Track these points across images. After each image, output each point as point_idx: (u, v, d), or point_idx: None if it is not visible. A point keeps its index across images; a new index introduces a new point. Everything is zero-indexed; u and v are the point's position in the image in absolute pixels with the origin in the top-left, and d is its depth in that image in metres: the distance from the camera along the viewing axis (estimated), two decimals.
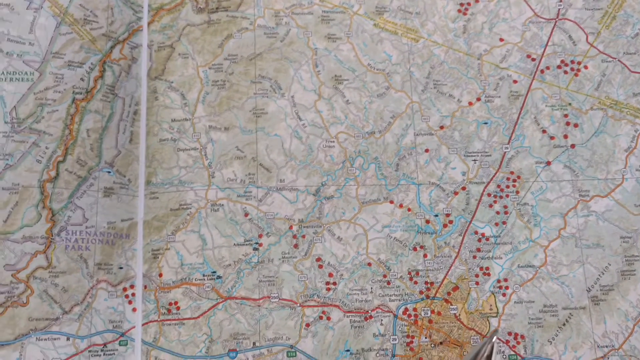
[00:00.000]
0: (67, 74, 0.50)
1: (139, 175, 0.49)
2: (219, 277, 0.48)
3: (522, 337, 0.47)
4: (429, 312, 0.48)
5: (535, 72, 0.53)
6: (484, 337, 0.47)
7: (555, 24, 0.54)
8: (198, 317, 0.47)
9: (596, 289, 0.48)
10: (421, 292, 0.48)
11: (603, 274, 0.49)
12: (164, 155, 0.50)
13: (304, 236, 0.49)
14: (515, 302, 0.48)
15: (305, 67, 0.52)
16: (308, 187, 0.50)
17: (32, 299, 0.46)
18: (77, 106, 0.50)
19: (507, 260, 0.49)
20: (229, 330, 0.47)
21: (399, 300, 0.48)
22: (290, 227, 0.49)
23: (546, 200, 0.50)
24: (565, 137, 0.52)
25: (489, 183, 0.51)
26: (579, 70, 0.53)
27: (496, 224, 0.50)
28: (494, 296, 0.48)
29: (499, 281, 0.48)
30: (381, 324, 0.47)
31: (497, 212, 0.50)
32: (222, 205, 0.49)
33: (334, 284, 0.48)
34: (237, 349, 0.46)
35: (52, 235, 0.47)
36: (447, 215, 0.50)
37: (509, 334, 0.47)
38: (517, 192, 0.50)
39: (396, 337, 0.47)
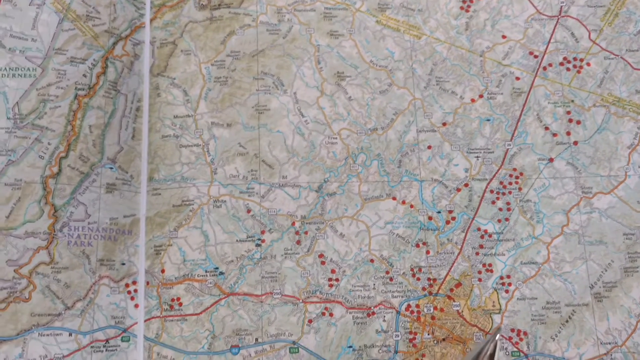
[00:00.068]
0: (69, 70, 0.50)
1: (142, 172, 0.49)
2: (221, 273, 0.48)
3: (525, 333, 0.47)
4: (432, 309, 0.48)
5: (538, 69, 0.53)
6: (487, 334, 0.47)
7: (557, 21, 0.54)
8: (200, 313, 0.47)
9: (599, 285, 0.48)
10: (424, 289, 0.48)
11: (606, 270, 0.49)
12: (166, 152, 0.50)
13: (306, 232, 0.49)
14: (518, 298, 0.48)
15: (307, 63, 0.52)
16: (310, 183, 0.50)
17: (35, 294, 0.45)
18: (79, 102, 0.50)
19: (510, 257, 0.49)
20: (231, 327, 0.47)
21: (402, 297, 0.48)
22: (293, 224, 0.49)
23: (549, 197, 0.50)
24: (568, 134, 0.52)
25: (491, 180, 0.51)
26: (581, 67, 0.53)
27: (499, 221, 0.50)
28: (497, 293, 0.48)
29: (501, 278, 0.48)
30: (384, 321, 0.47)
31: (500, 209, 0.50)
32: (225, 201, 0.49)
33: (337, 280, 0.48)
34: (240, 345, 0.46)
35: (55, 231, 0.47)
36: (450, 211, 0.50)
37: (512, 330, 0.47)
38: (520, 188, 0.50)
39: (399, 333, 0.47)
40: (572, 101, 0.52)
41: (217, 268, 0.48)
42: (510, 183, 0.50)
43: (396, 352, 0.47)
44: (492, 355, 0.41)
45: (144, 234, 0.48)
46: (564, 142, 0.51)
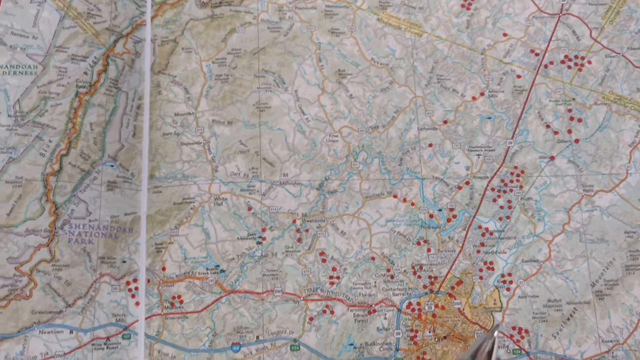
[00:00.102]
0: (70, 68, 0.50)
1: (142, 169, 0.49)
2: (222, 270, 0.48)
3: (527, 331, 0.47)
4: (433, 307, 0.48)
5: (539, 67, 0.53)
6: (488, 332, 0.47)
7: (558, 19, 0.54)
8: (201, 310, 0.47)
9: (600, 283, 0.48)
10: (425, 287, 0.48)
11: (607, 268, 0.48)
12: (167, 149, 0.50)
13: (307, 230, 0.49)
14: (519, 296, 0.48)
15: (308, 61, 0.52)
16: (311, 181, 0.50)
17: (36, 292, 0.45)
18: (80, 100, 0.50)
19: (511, 255, 0.49)
20: (232, 324, 0.47)
21: (403, 295, 0.48)
22: (294, 221, 0.49)
23: (550, 195, 0.50)
24: (569, 132, 0.51)
25: (492, 178, 0.50)
26: (582, 65, 0.53)
27: (500, 219, 0.50)
28: (498, 291, 0.48)
29: (503, 276, 0.48)
30: (385, 318, 0.47)
31: (501, 207, 0.50)
32: (226, 199, 0.49)
33: (338, 278, 0.48)
34: (241, 343, 0.46)
35: (56, 229, 0.47)
36: (451, 209, 0.50)
37: (513, 328, 0.47)
38: (521, 186, 0.50)
39: (400, 331, 0.47)
40: (574, 99, 0.52)
41: (218, 266, 0.48)
42: (511, 181, 0.50)
43: (397, 349, 0.47)
44: (490, 353, 0.41)
45: (145, 231, 0.48)
46: (565, 140, 0.51)
